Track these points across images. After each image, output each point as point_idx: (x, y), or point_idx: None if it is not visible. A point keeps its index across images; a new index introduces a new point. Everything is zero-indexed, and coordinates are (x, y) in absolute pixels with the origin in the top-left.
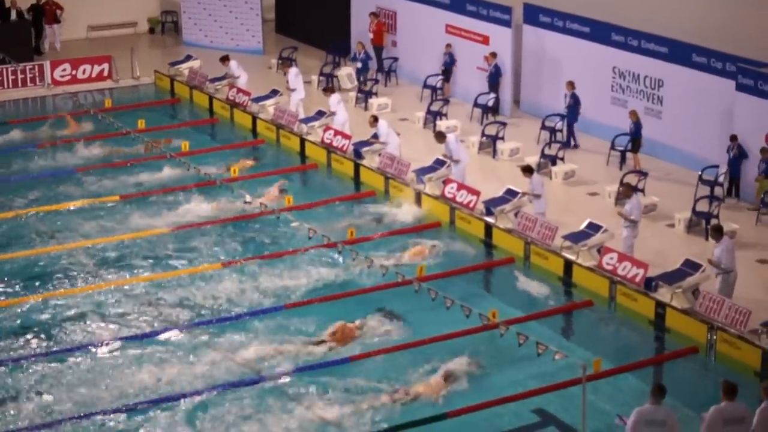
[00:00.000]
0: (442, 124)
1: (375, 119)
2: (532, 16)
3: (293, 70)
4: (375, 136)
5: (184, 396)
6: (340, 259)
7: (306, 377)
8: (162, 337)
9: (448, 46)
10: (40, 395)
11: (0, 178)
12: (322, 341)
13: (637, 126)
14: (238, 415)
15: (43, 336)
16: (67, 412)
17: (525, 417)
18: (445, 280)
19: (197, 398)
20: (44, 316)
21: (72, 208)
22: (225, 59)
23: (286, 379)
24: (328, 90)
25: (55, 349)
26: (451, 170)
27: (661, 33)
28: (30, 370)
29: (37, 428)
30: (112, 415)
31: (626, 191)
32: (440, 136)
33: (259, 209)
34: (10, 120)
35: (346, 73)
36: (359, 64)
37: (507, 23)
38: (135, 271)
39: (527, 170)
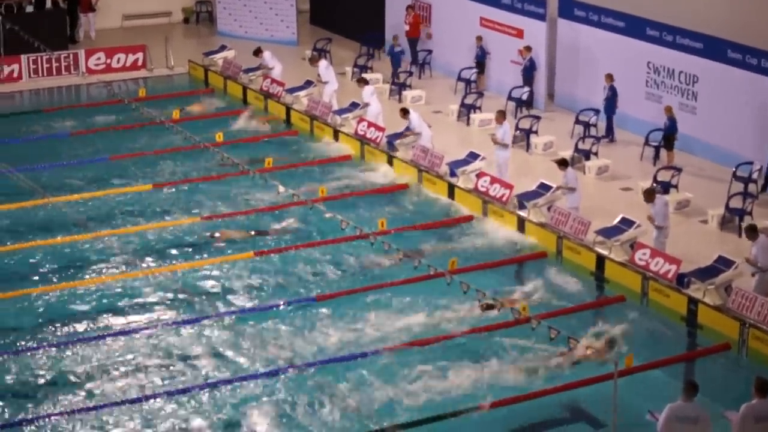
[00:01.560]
0: (476, 118)
1: (405, 112)
2: (567, 9)
3: (323, 63)
4: (407, 129)
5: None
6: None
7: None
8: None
9: (479, 38)
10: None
11: (34, 166)
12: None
13: (671, 122)
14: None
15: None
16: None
17: (556, 411)
18: (476, 273)
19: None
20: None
21: (106, 195)
22: (258, 52)
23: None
24: (362, 81)
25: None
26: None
27: (697, 28)
28: (78, 353)
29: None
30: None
31: (648, 196)
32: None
33: (292, 199)
34: (45, 108)
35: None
36: (390, 56)
37: (542, 17)
38: (169, 261)
39: (562, 163)
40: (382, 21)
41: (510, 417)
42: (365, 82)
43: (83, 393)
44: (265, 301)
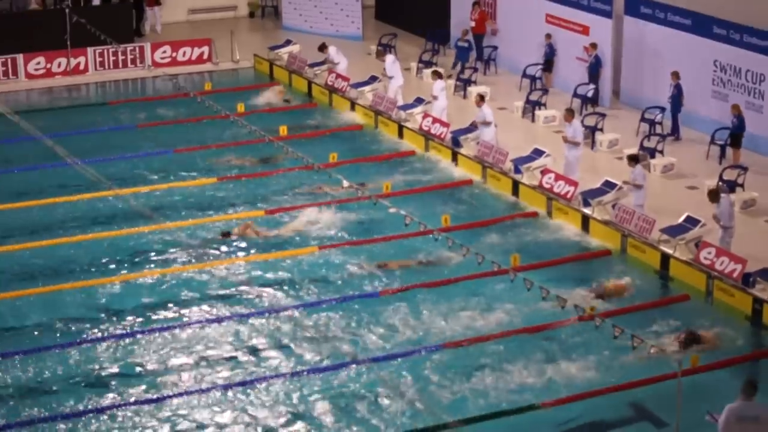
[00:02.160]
0: (541, 115)
1: (482, 98)
2: (634, 7)
3: (389, 58)
4: (478, 118)
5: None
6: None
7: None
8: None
9: (548, 36)
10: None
11: (100, 159)
12: None
13: (739, 120)
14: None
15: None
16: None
17: (619, 410)
18: (540, 270)
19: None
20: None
21: (169, 188)
22: (323, 47)
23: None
24: (436, 74)
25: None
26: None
27: (764, 27)
28: (142, 345)
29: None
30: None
31: (713, 197)
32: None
33: (356, 194)
34: (111, 101)
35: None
36: (455, 50)
37: (608, 14)
38: (233, 254)
39: (632, 159)
40: (447, 17)
41: (572, 415)
42: (439, 75)
43: (148, 384)
44: (329, 296)
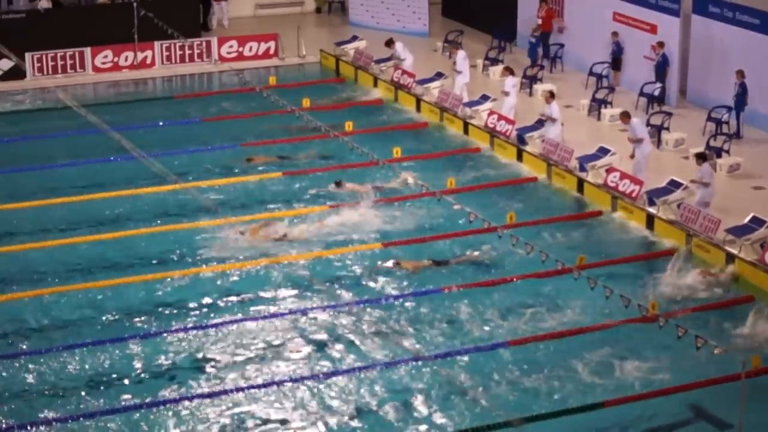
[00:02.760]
0: (606, 113)
1: (552, 95)
2: (702, 5)
3: (461, 53)
4: (546, 114)
5: None
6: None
7: None
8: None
9: (615, 34)
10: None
11: (166, 152)
12: None
13: None
14: None
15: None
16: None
17: (681, 410)
18: (604, 268)
19: None
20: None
21: (237, 182)
22: (390, 43)
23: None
24: (507, 70)
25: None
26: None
27: None
28: (208, 339)
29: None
30: None
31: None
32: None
33: (420, 190)
34: (177, 95)
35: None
36: (529, 48)
37: (675, 12)
38: (297, 249)
39: (700, 157)
40: (514, 14)
41: (634, 414)
42: (511, 72)
43: (212, 377)
44: (393, 291)
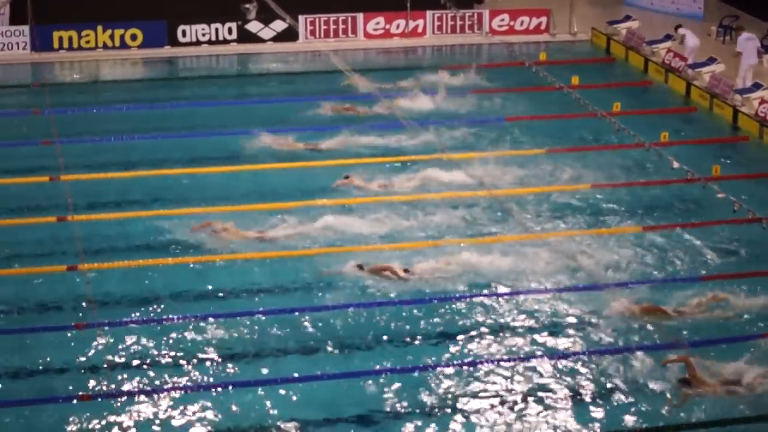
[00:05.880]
0: None
1: None
2: None
3: (744, 34)
4: None
5: None
6: None
7: None
8: None
9: None
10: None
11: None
12: None
13: None
14: None
15: None
16: None
17: None
18: None
19: None
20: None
21: (499, 156)
22: (678, 28)
23: None
24: None
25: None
26: None
27: None
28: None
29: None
30: None
31: None
32: None
33: (685, 176)
34: (446, 65)
35: None
36: None
37: None
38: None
39: None
40: None
41: None
42: None
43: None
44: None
